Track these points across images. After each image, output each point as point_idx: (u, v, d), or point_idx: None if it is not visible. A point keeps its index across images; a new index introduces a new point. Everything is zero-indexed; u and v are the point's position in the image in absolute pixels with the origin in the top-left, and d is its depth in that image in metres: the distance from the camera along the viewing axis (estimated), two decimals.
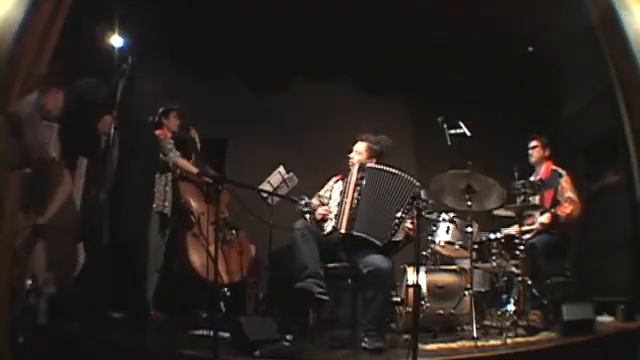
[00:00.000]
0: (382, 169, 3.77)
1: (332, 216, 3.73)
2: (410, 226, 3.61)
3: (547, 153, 4.56)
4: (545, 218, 4.22)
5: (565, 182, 4.33)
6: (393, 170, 3.74)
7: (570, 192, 4.29)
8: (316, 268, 3.46)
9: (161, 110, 4.61)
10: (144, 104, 4.56)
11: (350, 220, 3.65)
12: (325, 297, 3.44)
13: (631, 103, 3.49)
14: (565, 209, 4.22)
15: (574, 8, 3.87)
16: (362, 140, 3.96)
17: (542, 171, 4.49)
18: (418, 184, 3.65)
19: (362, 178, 3.74)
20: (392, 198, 3.66)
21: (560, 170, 4.41)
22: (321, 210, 3.76)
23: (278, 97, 6.02)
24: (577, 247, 4.66)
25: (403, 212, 3.60)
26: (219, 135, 5.83)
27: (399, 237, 3.62)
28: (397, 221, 3.59)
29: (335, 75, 6.08)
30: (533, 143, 4.60)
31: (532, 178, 4.38)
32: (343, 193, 3.76)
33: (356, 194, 3.70)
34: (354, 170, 3.80)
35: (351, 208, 3.67)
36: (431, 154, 4.99)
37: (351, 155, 3.94)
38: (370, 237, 3.59)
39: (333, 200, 3.81)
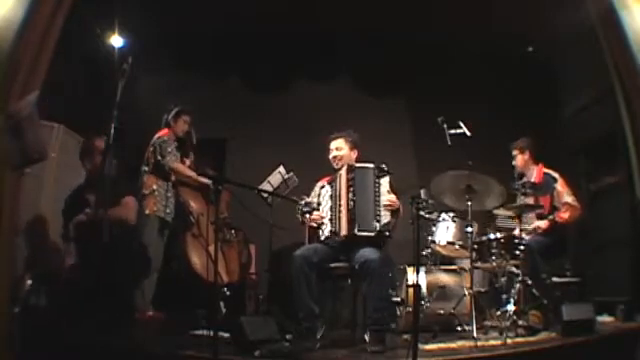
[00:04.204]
0: (363, 166, 3.82)
1: (326, 221, 3.76)
2: (389, 203, 3.68)
3: (527, 156, 4.40)
4: (543, 224, 4.18)
5: (560, 186, 4.23)
6: (367, 165, 3.82)
7: (567, 196, 4.19)
8: (311, 310, 3.53)
9: (175, 111, 4.52)
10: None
11: (350, 221, 3.67)
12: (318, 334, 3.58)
13: (631, 103, 3.50)
14: (563, 214, 4.14)
15: (574, 8, 3.87)
16: (336, 138, 3.98)
17: (534, 175, 4.34)
18: (372, 166, 3.76)
19: (353, 178, 3.76)
20: (368, 189, 3.72)
21: (553, 174, 4.30)
22: (314, 216, 3.80)
23: (278, 97, 6.02)
24: (577, 247, 4.65)
25: (375, 196, 3.68)
26: (219, 135, 5.83)
27: (386, 219, 3.67)
28: (376, 205, 3.67)
29: (335, 75, 6.09)
30: (513, 152, 4.46)
31: (521, 181, 4.29)
32: (334, 196, 3.78)
33: (351, 195, 3.72)
34: (343, 172, 3.82)
35: (348, 210, 3.70)
36: (431, 154, 4.98)
37: (332, 155, 3.95)
38: (367, 232, 3.64)
39: (324, 204, 3.82)
